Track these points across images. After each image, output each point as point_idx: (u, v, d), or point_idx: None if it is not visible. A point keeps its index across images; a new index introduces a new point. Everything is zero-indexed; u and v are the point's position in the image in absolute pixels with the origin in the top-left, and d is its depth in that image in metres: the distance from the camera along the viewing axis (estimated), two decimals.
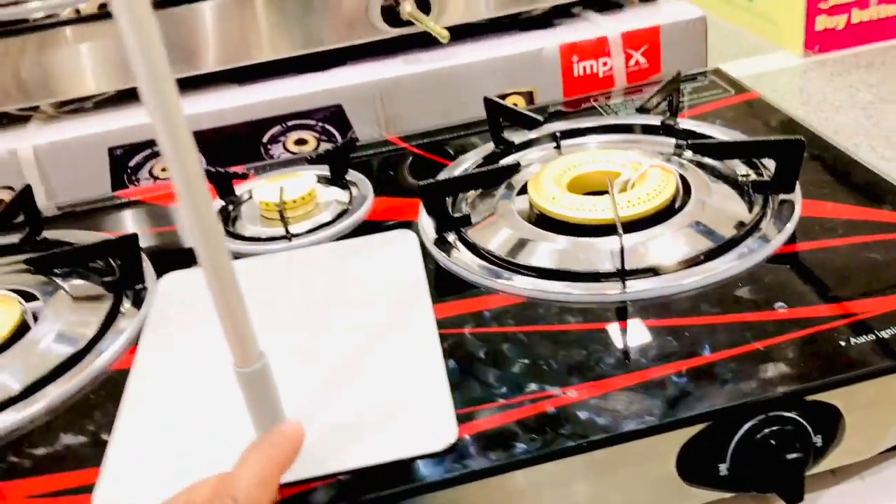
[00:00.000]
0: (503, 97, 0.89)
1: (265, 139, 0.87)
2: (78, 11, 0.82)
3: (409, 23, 0.88)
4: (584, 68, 0.89)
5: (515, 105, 0.81)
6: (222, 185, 0.72)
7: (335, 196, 0.71)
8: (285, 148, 0.87)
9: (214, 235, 0.36)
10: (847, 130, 0.93)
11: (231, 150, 0.86)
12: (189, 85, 0.87)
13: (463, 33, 0.90)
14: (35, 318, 0.58)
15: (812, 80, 1.08)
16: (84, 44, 0.84)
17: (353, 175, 0.73)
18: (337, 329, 0.54)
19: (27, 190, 0.73)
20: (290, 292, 0.59)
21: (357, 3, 0.87)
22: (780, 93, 1.06)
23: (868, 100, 0.99)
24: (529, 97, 0.90)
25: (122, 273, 0.62)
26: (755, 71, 1.12)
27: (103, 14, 0.83)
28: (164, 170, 0.86)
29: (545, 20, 0.94)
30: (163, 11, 0.84)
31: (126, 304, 0.60)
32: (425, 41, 0.89)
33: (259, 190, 0.69)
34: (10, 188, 0.84)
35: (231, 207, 0.71)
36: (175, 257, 0.65)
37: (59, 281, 0.63)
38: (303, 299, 0.58)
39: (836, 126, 0.94)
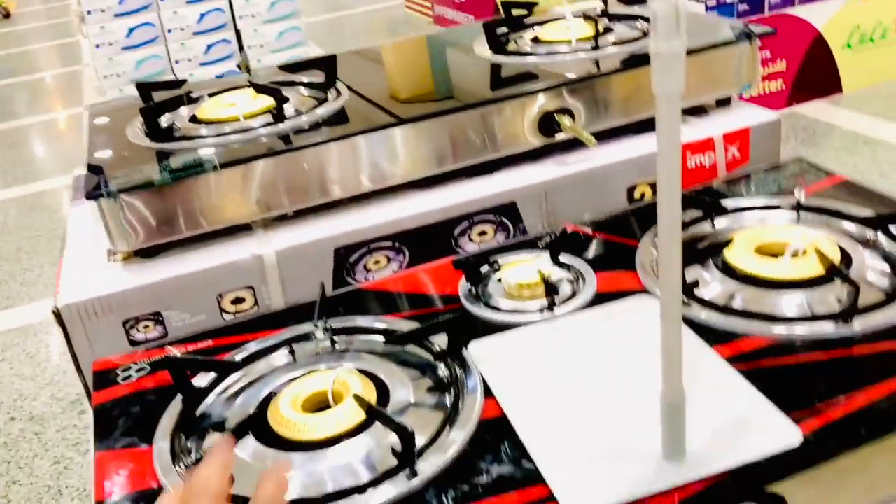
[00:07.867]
0: (633, 188, 1.11)
1: (455, 233, 1.05)
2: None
3: (557, 132, 1.09)
4: (696, 161, 1.12)
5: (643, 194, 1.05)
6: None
7: (562, 275, 0.90)
8: (470, 239, 1.06)
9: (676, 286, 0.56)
10: None
11: (430, 244, 1.03)
12: (393, 190, 1.06)
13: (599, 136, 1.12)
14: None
15: None
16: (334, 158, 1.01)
17: (565, 257, 0.92)
18: (648, 374, 0.72)
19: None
20: (578, 351, 0.77)
21: (518, 120, 1.08)
22: None
23: None
24: (653, 187, 1.12)
25: (449, 344, 0.78)
26: None
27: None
28: (376, 262, 1.03)
29: None
30: (371, 135, 1.02)
31: (456, 369, 0.76)
32: (568, 145, 1.10)
33: (509, 272, 0.88)
34: (251, 287, 0.99)
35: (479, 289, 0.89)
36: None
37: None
38: (595, 355, 0.76)
39: None
